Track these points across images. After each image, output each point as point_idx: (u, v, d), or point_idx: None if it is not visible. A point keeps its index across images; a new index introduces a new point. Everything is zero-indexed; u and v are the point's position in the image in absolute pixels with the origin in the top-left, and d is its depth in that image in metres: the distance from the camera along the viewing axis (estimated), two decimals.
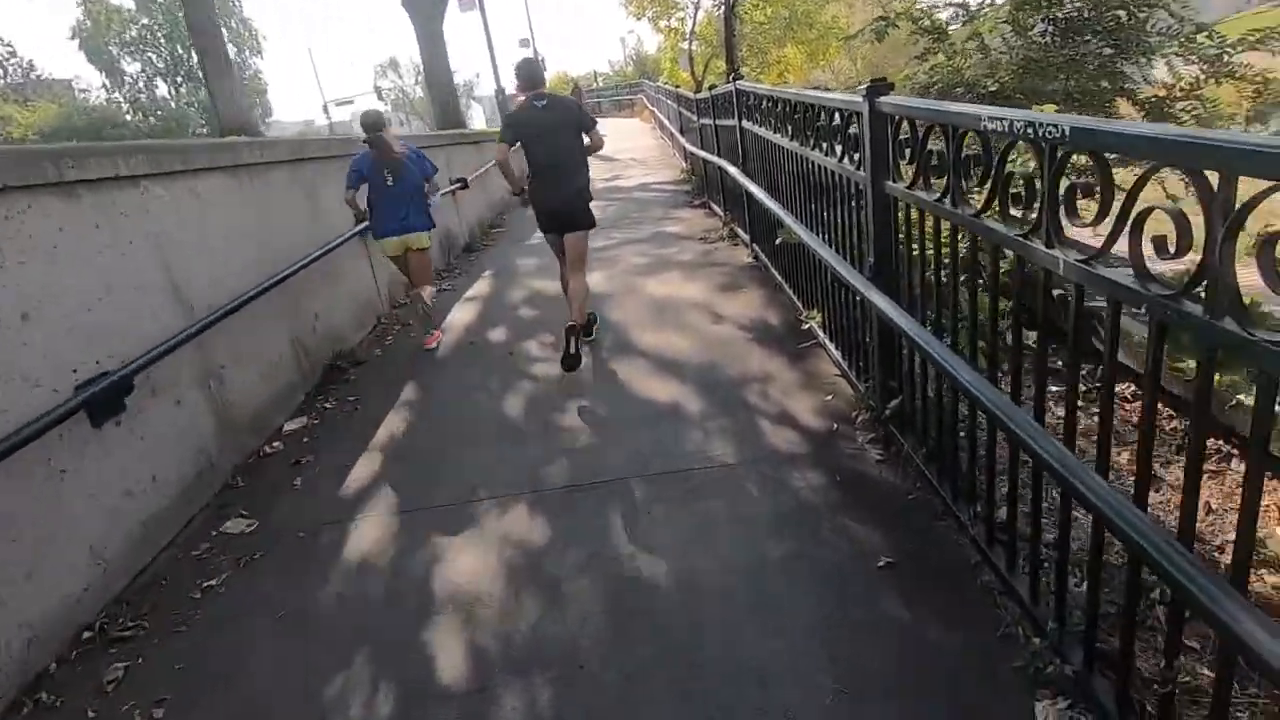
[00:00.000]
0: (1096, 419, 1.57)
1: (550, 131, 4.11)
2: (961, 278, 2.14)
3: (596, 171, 8.80)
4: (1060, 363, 3.04)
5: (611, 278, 5.87)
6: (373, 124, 4.64)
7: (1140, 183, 1.25)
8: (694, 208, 8.23)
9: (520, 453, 3.32)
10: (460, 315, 5.55)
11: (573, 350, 3.94)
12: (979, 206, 1.86)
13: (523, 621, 2.27)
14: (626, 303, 5.19)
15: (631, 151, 13.57)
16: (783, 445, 3.04)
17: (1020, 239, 1.66)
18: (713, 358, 4.02)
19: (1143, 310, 1.28)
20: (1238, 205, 1.09)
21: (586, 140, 4.29)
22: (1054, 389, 2.71)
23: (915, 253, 2.38)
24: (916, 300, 2.45)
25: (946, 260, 2.20)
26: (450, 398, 4.09)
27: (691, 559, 2.45)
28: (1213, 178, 1.11)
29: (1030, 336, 1.94)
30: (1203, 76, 4.11)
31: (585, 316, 4.25)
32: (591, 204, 4.33)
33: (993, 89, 4.42)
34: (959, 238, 2.08)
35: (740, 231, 6.07)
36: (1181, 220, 1.17)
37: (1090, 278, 1.42)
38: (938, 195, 2.08)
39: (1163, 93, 4.19)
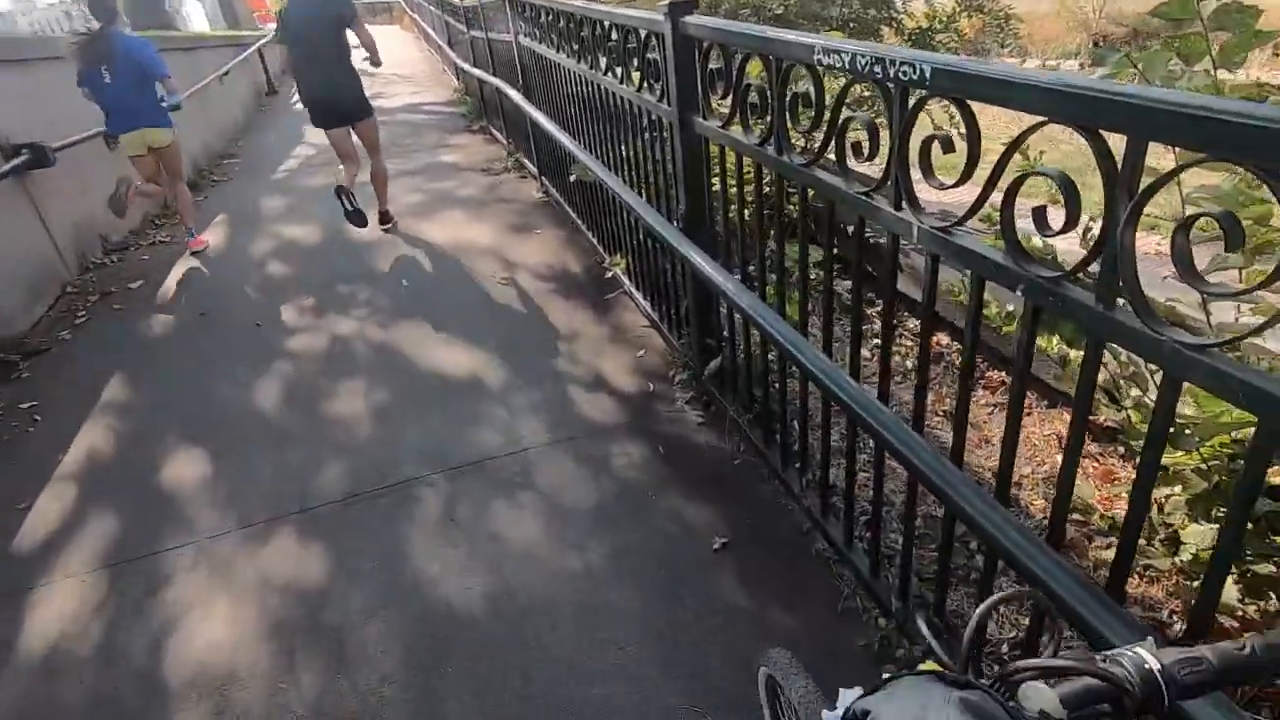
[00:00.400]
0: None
1: (314, 22, 4.13)
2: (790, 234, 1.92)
3: None
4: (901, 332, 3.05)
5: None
6: (106, 11, 4.08)
7: (1019, 141, 1.05)
8: (473, 133, 7.41)
9: (281, 459, 2.67)
10: (184, 278, 4.45)
11: (351, 207, 4.39)
12: (810, 155, 1.61)
13: (298, 703, 1.78)
14: (403, 251, 4.48)
15: (395, 65, 11.95)
16: (598, 415, 2.75)
17: (863, 197, 1.44)
18: (511, 313, 3.57)
19: (1017, 292, 1.11)
20: (1144, 179, 0.90)
21: (353, 37, 4.35)
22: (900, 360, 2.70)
23: (734, 204, 2.11)
24: (736, 254, 2.21)
25: (772, 214, 1.97)
26: (176, 392, 3.22)
27: (508, 573, 2.09)
28: (1117, 142, 0.92)
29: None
30: (959, 8, 4.29)
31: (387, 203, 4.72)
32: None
33: (778, 11, 4.27)
34: (785, 189, 1.84)
35: (527, 162, 5.52)
36: (1070, 188, 0.98)
37: (950, 248, 1.23)
38: (758, 139, 1.81)
39: (925, 23, 4.32)
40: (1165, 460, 1.51)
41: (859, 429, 1.68)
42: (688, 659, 1.80)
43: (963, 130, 1.17)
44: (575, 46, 3.13)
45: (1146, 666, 0.58)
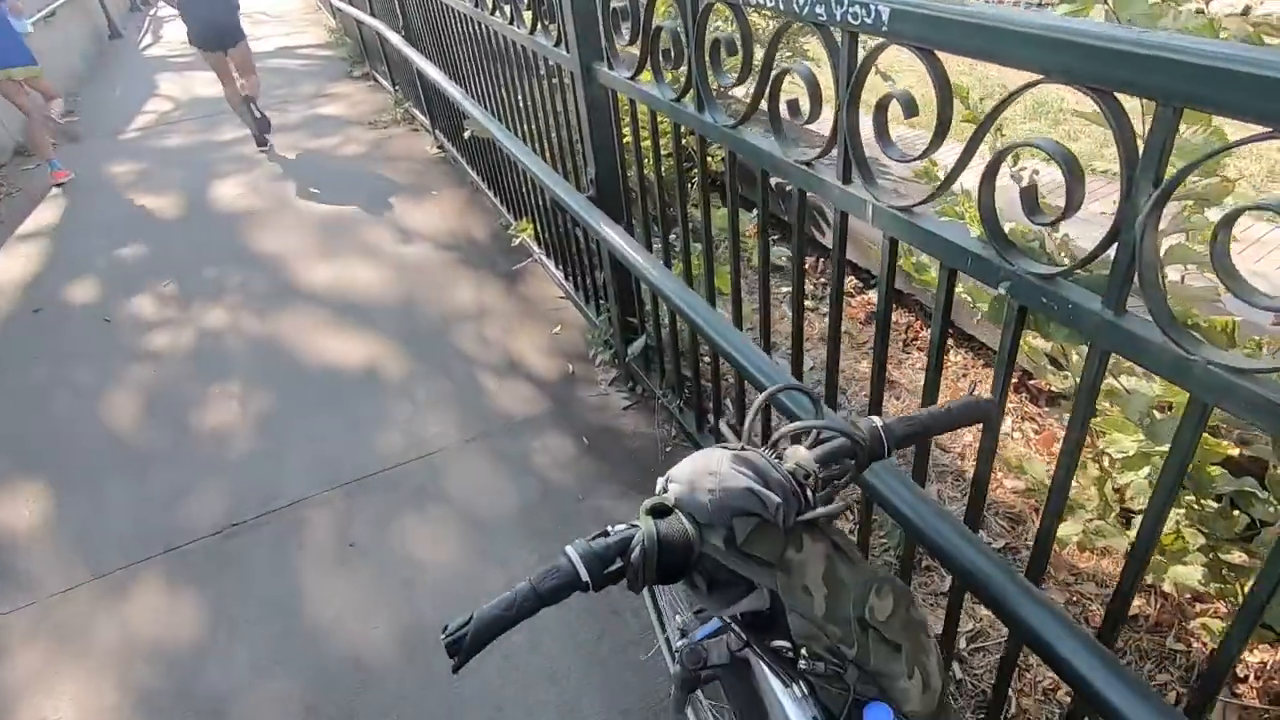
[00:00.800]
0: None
1: None
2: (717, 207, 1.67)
3: None
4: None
5: (255, 187, 4.47)
6: None
7: (1004, 104, 0.83)
8: (354, 80, 6.69)
9: (141, 487, 2.28)
10: (11, 266, 3.79)
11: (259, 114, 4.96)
12: (739, 115, 1.36)
13: None
14: (283, 224, 3.97)
15: (262, 2, 10.67)
16: (514, 405, 2.48)
17: (803, 167, 1.21)
18: (409, 291, 3.20)
19: (999, 289, 0.91)
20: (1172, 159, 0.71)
21: None
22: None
23: (651, 168, 1.84)
24: (656, 224, 1.96)
25: (695, 177, 1.71)
26: (3, 411, 2.72)
27: (421, 605, 1.84)
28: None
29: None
30: None
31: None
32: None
33: None
34: (708, 152, 1.59)
35: (419, 114, 4.99)
36: (1072, 166, 0.78)
37: (913, 233, 1.02)
38: (675, 94, 1.53)
39: None
40: (1129, 440, 1.40)
41: None
42: (633, 685, 1.62)
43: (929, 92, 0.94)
44: None
45: (874, 425, 0.80)
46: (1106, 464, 1.59)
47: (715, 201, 2.54)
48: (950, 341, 2.46)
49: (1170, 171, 0.71)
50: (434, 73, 3.40)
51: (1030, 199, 0.85)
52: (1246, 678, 1.43)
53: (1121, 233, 0.76)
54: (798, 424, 0.78)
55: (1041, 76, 0.79)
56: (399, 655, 1.73)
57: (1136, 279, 0.76)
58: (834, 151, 1.14)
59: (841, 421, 0.78)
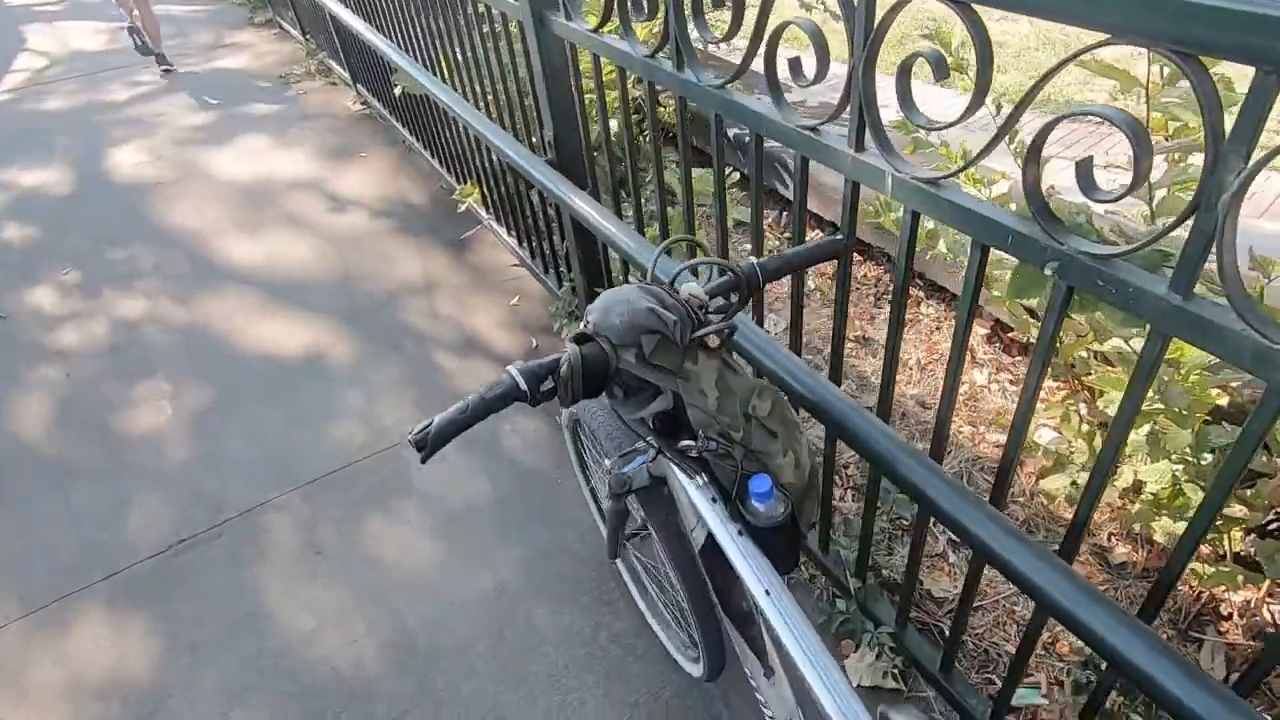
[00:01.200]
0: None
1: None
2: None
3: None
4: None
5: (158, 154, 4.04)
6: None
7: (1061, 65, 0.74)
8: (257, 27, 6.10)
9: (68, 507, 2.06)
10: None
11: (140, 42, 4.85)
12: (729, 73, 1.23)
13: None
14: (194, 194, 3.60)
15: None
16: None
17: (808, 133, 1.10)
18: (346, 265, 2.96)
19: (1045, 270, 0.84)
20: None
21: None
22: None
23: (620, 130, 1.70)
24: (628, 189, 1.82)
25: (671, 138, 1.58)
26: None
27: (401, 610, 1.74)
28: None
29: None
30: None
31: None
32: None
33: None
34: (686, 112, 1.45)
35: (336, 66, 4.58)
36: (1142, 137, 0.70)
37: (941, 207, 0.94)
38: (649, 50, 1.39)
39: None
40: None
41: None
42: (637, 674, 1.57)
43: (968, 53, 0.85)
44: None
45: (751, 263, 0.97)
46: (1092, 416, 1.60)
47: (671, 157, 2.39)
48: (920, 293, 2.43)
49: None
50: (354, 21, 3.08)
51: (1086, 174, 0.77)
52: (1230, 615, 1.48)
53: (1200, 210, 0.69)
54: (689, 261, 0.97)
55: (1108, 36, 0.70)
56: (387, 666, 1.63)
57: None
58: (845, 115, 1.04)
59: (723, 260, 0.97)
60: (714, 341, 0.91)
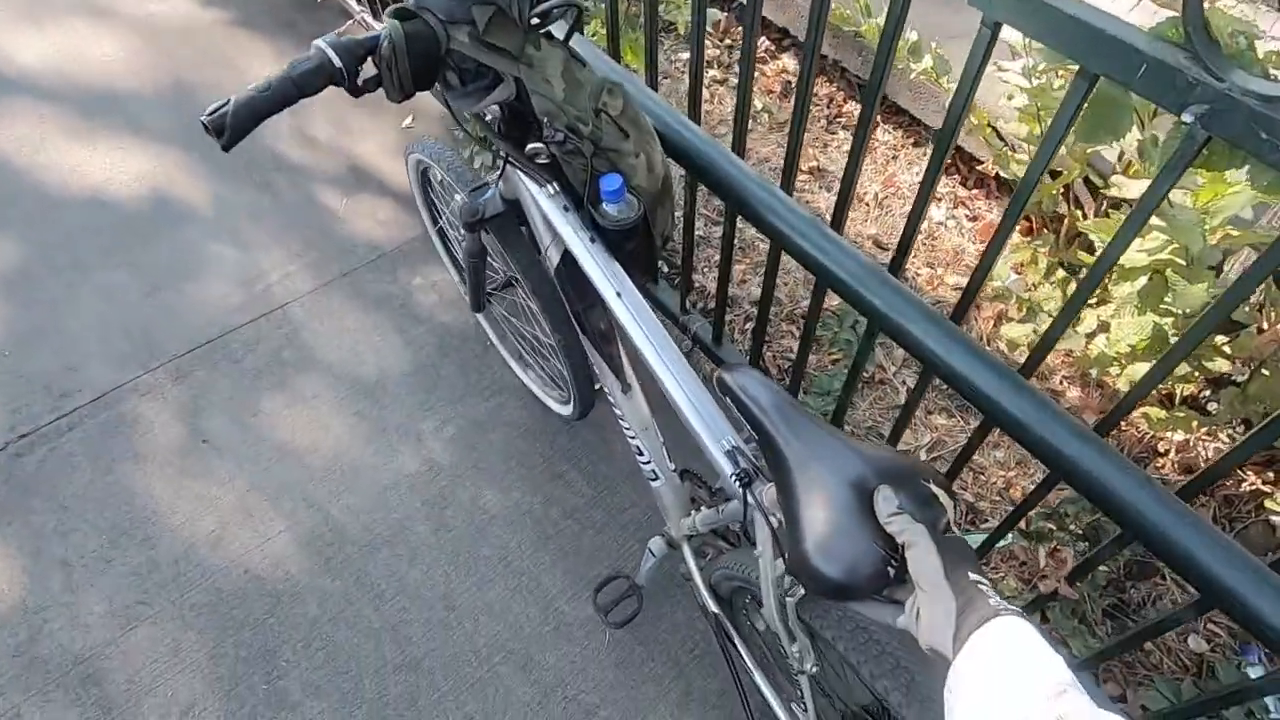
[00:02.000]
0: None
1: None
2: None
3: None
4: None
5: None
6: None
7: None
8: None
9: None
10: None
11: None
12: None
13: None
14: None
15: None
16: (377, 231, 1.96)
17: None
18: (177, 70, 2.31)
19: (1184, 116, 0.64)
20: None
21: None
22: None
23: None
24: None
25: None
26: None
27: (322, 500, 1.52)
28: None
29: None
30: None
31: None
32: None
33: None
34: None
35: None
36: None
37: (1039, 19, 0.70)
38: None
39: None
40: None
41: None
42: (594, 550, 1.48)
43: None
44: None
45: None
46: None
47: None
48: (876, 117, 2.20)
49: None
50: None
51: None
52: (1167, 452, 1.54)
53: None
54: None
55: None
56: (313, 562, 1.45)
57: None
58: None
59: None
60: (560, 29, 0.86)
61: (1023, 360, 0.95)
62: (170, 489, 1.53)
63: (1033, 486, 1.00)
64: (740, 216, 1.18)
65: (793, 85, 2.31)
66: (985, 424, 1.02)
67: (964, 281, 1.84)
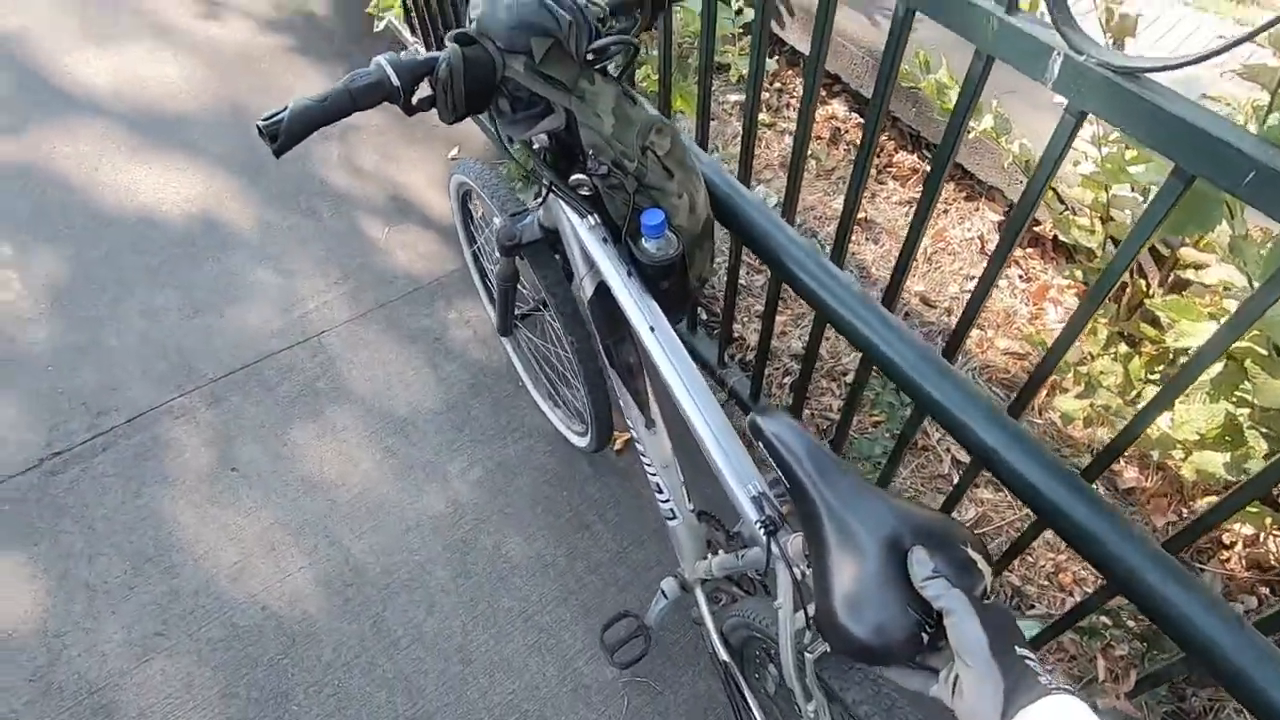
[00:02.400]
0: None
1: None
2: None
3: None
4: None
5: None
6: None
7: None
8: None
9: None
10: None
11: None
12: None
13: None
14: None
15: None
16: (416, 264, 1.96)
17: None
18: (233, 93, 2.36)
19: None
20: None
21: None
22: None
23: None
24: None
25: None
26: None
27: (343, 536, 1.50)
28: None
29: None
30: None
31: None
32: None
33: None
34: None
35: None
36: None
37: (1129, 106, 0.65)
38: None
39: None
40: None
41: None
42: (619, 606, 1.43)
43: None
44: None
45: None
46: (1149, 347, 1.43)
47: None
48: (924, 164, 2.15)
49: None
50: None
51: None
52: (1234, 544, 1.45)
53: None
54: None
55: None
56: (332, 603, 1.42)
57: None
58: None
59: None
60: (614, 67, 0.87)
61: (1075, 433, 0.89)
62: (196, 517, 1.52)
63: (1084, 573, 0.94)
64: (787, 284, 1.13)
65: (842, 131, 2.27)
66: (1040, 524, 0.96)
67: (1016, 347, 1.77)
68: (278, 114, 0.74)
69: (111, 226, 2.00)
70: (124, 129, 2.24)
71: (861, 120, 2.29)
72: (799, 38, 2.33)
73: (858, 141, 2.22)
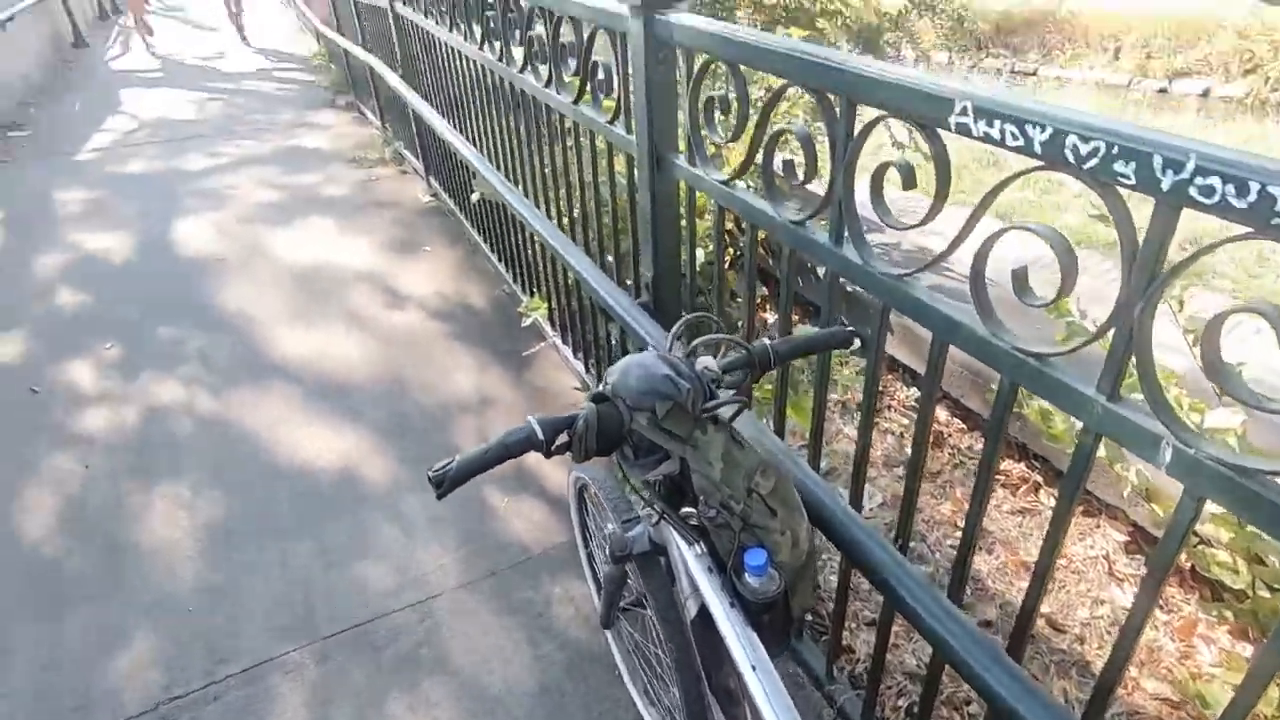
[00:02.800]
0: None
1: None
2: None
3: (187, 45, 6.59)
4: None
5: (223, 228, 4.01)
6: None
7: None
8: (338, 110, 6.28)
9: (49, 633, 1.80)
10: None
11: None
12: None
13: None
14: (253, 275, 3.51)
15: (248, 12, 10.16)
16: (529, 534, 2.07)
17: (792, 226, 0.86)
18: (399, 370, 2.78)
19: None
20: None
21: None
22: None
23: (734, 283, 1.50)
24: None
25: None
26: None
27: None
28: None
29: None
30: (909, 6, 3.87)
31: None
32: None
33: None
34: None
35: (410, 156, 4.61)
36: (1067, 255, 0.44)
37: (906, 301, 0.68)
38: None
39: (875, 20, 3.86)
40: None
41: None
42: None
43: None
44: (477, 28, 2.36)
45: (764, 344, 1.04)
46: None
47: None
48: (1033, 474, 2.14)
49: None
50: (437, 121, 3.04)
51: (1020, 281, 0.61)
52: None
53: (1118, 318, 0.47)
54: (707, 336, 1.02)
55: (1042, 164, 0.49)
56: None
57: None
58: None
59: (737, 338, 1.01)
60: (725, 414, 0.97)
61: None
62: None
63: None
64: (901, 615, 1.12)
65: (945, 436, 2.34)
66: None
67: (1166, 690, 1.59)
68: (446, 465, 0.88)
69: (273, 478, 2.28)
70: (304, 393, 2.65)
71: (963, 426, 2.37)
72: (895, 346, 2.53)
73: (960, 445, 2.29)
